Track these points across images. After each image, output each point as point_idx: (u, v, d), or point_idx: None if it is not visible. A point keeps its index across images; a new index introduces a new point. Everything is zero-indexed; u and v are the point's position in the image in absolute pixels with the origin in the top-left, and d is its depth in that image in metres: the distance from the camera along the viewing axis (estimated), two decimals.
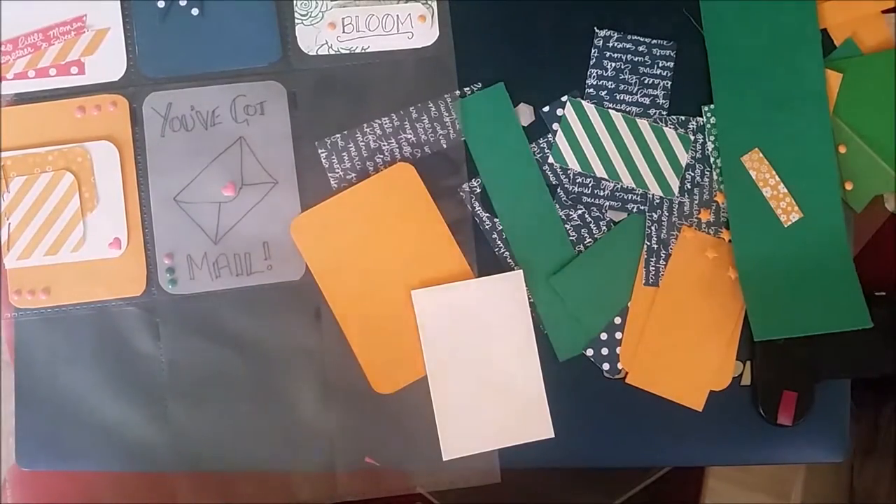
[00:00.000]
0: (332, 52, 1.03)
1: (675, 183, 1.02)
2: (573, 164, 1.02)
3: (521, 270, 1.01)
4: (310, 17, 1.03)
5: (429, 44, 1.03)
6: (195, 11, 1.03)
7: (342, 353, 1.01)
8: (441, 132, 1.02)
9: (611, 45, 1.03)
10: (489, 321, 1.00)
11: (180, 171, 1.03)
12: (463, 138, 1.02)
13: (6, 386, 1.04)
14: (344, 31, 1.03)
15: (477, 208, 1.02)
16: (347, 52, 1.03)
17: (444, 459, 1.00)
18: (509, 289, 1.00)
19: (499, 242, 1.02)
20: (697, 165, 1.02)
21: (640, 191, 1.02)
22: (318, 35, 1.03)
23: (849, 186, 1.01)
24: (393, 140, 1.02)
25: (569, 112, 1.02)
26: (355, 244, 1.01)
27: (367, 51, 1.03)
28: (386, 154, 1.02)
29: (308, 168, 1.03)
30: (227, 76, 1.03)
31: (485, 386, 1.00)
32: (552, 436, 1.00)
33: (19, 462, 1.03)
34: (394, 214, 1.01)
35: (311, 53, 1.03)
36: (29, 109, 1.04)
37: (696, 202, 1.02)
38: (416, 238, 1.01)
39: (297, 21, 1.03)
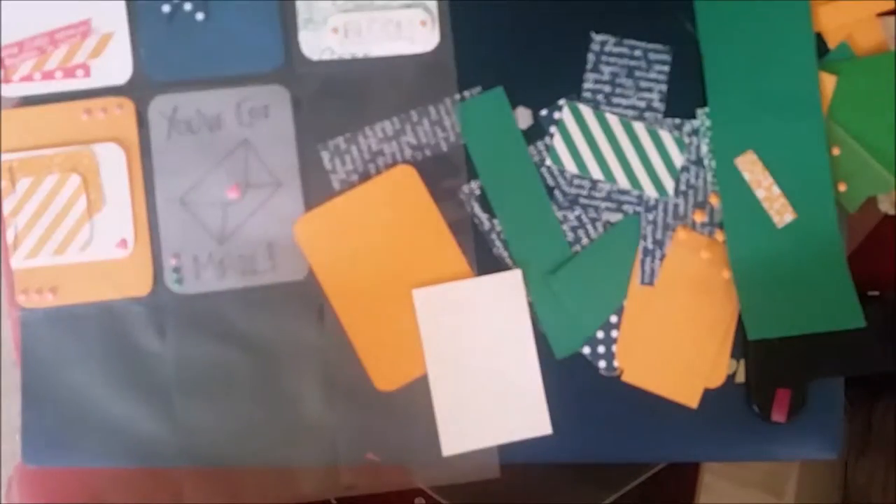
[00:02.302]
0: (334, 58, 1.04)
1: (670, 184, 1.02)
2: (570, 167, 1.03)
3: (519, 270, 1.01)
4: (313, 22, 1.04)
5: (430, 49, 1.04)
6: (200, 16, 1.04)
7: (344, 351, 1.02)
8: (441, 135, 1.03)
9: (607, 49, 1.03)
10: (488, 319, 1.01)
11: (186, 173, 1.04)
12: (463, 141, 1.03)
13: (14, 384, 1.04)
14: (346, 37, 1.03)
15: (476, 209, 1.03)
16: (350, 57, 1.04)
17: (444, 455, 1.01)
18: (508, 288, 1.01)
19: (497, 243, 1.02)
20: (692, 167, 1.02)
21: (636, 192, 1.02)
22: (321, 40, 1.04)
23: (842, 188, 1.01)
24: (394, 143, 1.03)
25: (566, 115, 1.03)
26: (358, 244, 1.02)
27: (369, 56, 1.04)
28: (387, 156, 1.03)
29: (311, 170, 1.03)
30: (231, 80, 1.04)
31: (484, 382, 1.01)
32: (550, 432, 1.01)
33: (25, 459, 1.04)
34: (395, 215, 1.02)
35: (314, 58, 1.04)
36: (35, 111, 1.04)
37: (691, 203, 1.02)
38: (416, 238, 1.02)
39: (300, 27, 1.04)
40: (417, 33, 1.03)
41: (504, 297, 1.01)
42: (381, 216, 1.02)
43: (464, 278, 1.01)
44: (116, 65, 1.05)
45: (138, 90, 1.05)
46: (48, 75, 1.04)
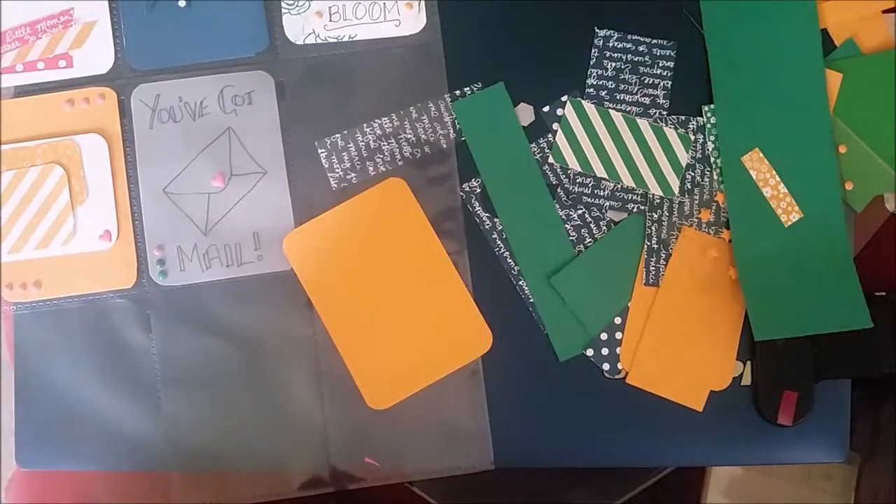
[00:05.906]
0: (319, 41, 1.03)
1: (675, 183, 1.01)
2: (573, 164, 1.02)
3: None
4: (296, 6, 1.04)
5: (416, 31, 1.03)
6: (182, 3, 1.04)
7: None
8: (441, 132, 1.02)
9: (611, 44, 1.02)
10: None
11: (169, 162, 1.03)
12: (463, 138, 1.02)
13: (5, 385, 1.04)
14: (331, 20, 1.03)
15: (477, 208, 1.02)
16: (335, 40, 1.03)
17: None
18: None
19: (499, 242, 1.01)
20: (698, 165, 1.02)
21: (641, 191, 1.02)
22: (304, 24, 1.03)
23: (849, 186, 1.00)
24: (393, 140, 1.02)
25: (569, 112, 1.02)
26: (348, 261, 1.01)
27: (355, 39, 1.03)
28: (386, 154, 1.02)
29: (297, 157, 1.02)
30: (214, 67, 1.04)
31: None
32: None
33: (19, 462, 1.03)
34: (386, 230, 1.01)
35: (298, 42, 1.03)
36: (17, 103, 1.04)
37: (697, 202, 1.02)
38: (409, 254, 1.01)
39: (283, 10, 1.04)
40: (403, 15, 1.03)
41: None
42: (372, 231, 1.01)
43: (459, 294, 1.00)
44: (98, 54, 1.04)
45: (120, 79, 1.04)
46: (30, 66, 1.04)
